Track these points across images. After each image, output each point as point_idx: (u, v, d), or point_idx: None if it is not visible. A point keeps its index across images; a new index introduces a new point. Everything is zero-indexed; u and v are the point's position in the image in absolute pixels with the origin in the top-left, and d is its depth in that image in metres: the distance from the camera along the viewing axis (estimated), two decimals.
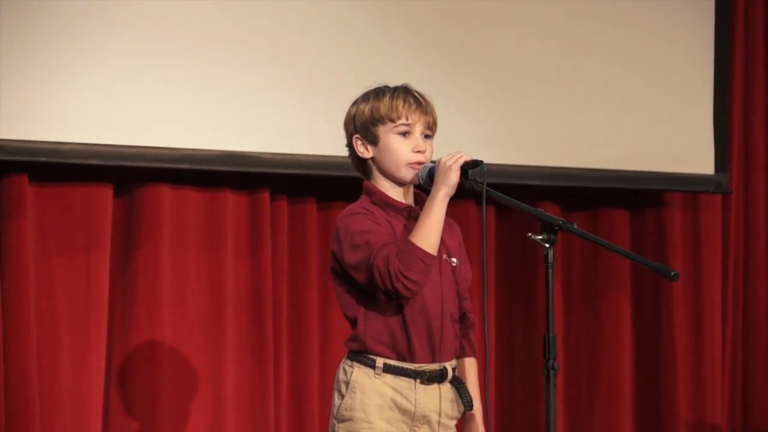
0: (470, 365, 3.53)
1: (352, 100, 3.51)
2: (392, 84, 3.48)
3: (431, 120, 3.45)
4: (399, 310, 3.36)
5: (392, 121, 3.43)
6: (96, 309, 4.80)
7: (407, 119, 3.43)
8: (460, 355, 3.51)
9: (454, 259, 3.46)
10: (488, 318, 3.43)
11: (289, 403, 5.09)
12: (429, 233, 3.31)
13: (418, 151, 3.42)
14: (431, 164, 3.40)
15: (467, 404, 3.44)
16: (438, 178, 3.34)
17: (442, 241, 3.41)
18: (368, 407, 3.35)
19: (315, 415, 5.09)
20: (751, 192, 5.85)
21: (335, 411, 3.41)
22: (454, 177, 3.32)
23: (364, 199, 3.46)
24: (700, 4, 5.57)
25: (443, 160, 3.35)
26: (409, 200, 3.47)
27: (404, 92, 3.46)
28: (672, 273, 3.15)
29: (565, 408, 5.57)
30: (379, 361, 3.36)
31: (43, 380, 4.72)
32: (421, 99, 3.46)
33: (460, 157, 3.34)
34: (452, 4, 5.21)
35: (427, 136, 3.46)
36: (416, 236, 3.31)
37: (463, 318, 3.51)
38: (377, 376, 3.37)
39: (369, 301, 3.37)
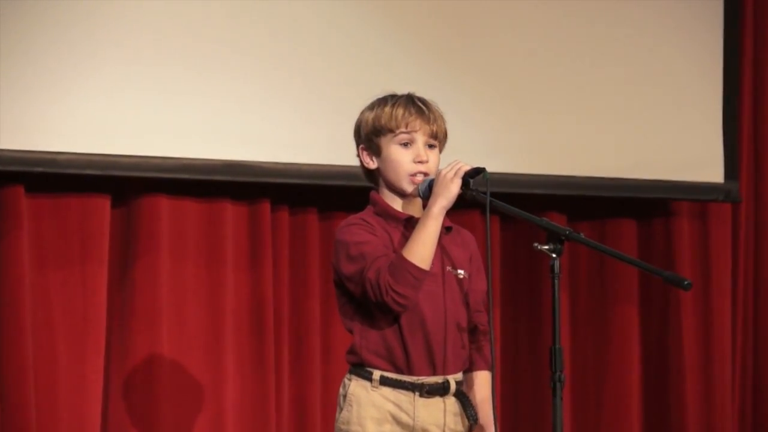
0: (481, 378, 3.47)
1: (354, 109, 3.49)
2: (400, 92, 3.44)
3: (435, 129, 3.39)
4: (395, 322, 3.32)
5: (392, 131, 3.39)
6: (93, 321, 4.77)
7: (407, 128, 3.38)
8: (472, 368, 3.45)
9: (461, 272, 3.42)
10: (493, 329, 3.37)
11: (290, 415, 5.06)
12: (420, 247, 3.27)
13: (419, 161, 3.37)
14: (431, 178, 3.35)
15: (472, 418, 3.40)
16: (437, 190, 3.29)
17: (447, 253, 3.38)
18: (365, 420, 3.32)
19: (317, 428, 5.06)
20: (761, 200, 5.81)
21: (335, 424, 3.39)
22: (454, 189, 3.28)
23: (368, 210, 3.43)
24: (708, 10, 5.54)
25: (443, 172, 3.30)
26: (413, 210, 3.41)
27: (406, 101, 3.41)
28: (685, 282, 3.11)
29: (572, 421, 5.54)
30: (376, 374, 3.33)
31: (40, 394, 4.68)
32: (423, 107, 3.40)
33: (460, 168, 3.29)
34: (457, 13, 5.19)
35: (431, 146, 3.40)
36: (408, 250, 3.27)
37: (475, 330, 3.46)
38: (374, 388, 3.34)
39: (365, 313, 3.34)
